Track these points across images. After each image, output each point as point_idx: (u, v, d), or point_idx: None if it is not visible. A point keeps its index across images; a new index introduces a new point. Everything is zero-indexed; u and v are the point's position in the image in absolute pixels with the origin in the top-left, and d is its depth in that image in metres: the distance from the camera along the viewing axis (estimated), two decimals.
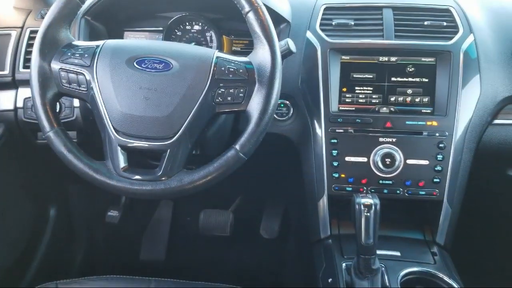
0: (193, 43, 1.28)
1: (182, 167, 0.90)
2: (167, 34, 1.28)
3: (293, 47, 0.94)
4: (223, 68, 0.89)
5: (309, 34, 1.16)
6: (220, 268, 1.78)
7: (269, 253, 1.83)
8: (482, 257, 1.59)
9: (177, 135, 0.87)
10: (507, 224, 1.62)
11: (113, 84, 0.88)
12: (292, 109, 1.19)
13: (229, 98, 0.88)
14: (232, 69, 0.88)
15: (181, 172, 0.89)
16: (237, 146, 0.87)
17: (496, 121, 1.15)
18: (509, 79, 1.13)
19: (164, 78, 0.88)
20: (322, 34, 1.15)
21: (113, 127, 0.89)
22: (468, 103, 1.10)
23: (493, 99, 1.12)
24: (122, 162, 0.89)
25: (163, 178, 0.88)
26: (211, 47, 1.29)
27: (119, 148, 0.89)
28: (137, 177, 0.89)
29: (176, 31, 1.29)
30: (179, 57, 0.90)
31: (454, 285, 0.98)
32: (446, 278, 0.99)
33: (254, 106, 0.87)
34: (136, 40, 1.27)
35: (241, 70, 0.88)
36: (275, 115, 1.18)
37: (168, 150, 0.88)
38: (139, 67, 0.89)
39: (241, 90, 0.88)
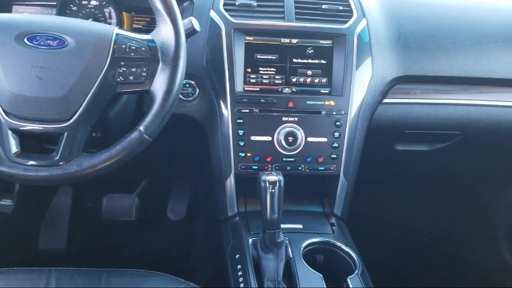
0: (91, 19, 1.21)
1: (82, 150, 0.85)
2: (61, 8, 1.19)
3: (197, 26, 0.93)
4: (123, 46, 0.85)
5: (213, 14, 1.16)
6: (126, 254, 1.74)
7: (177, 235, 1.83)
8: (375, 225, 1.73)
9: (74, 117, 0.83)
10: (395, 193, 1.78)
11: (1, 62, 0.81)
12: (197, 89, 1.18)
13: (131, 78, 0.85)
14: (134, 47, 0.85)
15: (80, 156, 0.85)
16: (141, 128, 0.85)
17: (385, 100, 1.25)
18: (396, 61, 1.23)
19: (59, 56, 0.83)
20: (226, 14, 1.15)
21: (2, 109, 0.82)
22: (362, 84, 1.18)
23: (383, 80, 1.21)
24: (14, 147, 0.83)
25: (61, 163, 0.83)
26: (110, 24, 1.23)
27: (9, 132, 0.82)
28: (32, 162, 0.83)
29: (71, 5, 1.21)
30: (75, 33, 0.85)
31: (350, 252, 1.06)
32: (343, 246, 1.07)
33: (158, 86, 0.85)
34: (26, 15, 1.17)
35: (143, 48, 0.86)
36: (180, 95, 1.16)
37: (66, 133, 0.83)
38: (31, 44, 0.82)
39: (144, 69, 0.85)
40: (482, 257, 1.84)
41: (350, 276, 0.98)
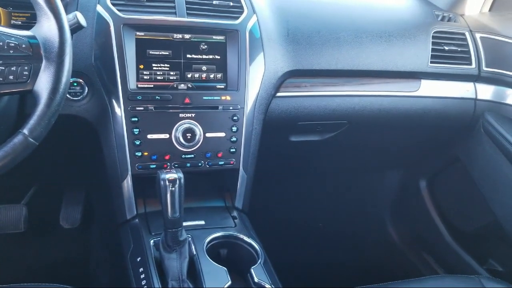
0: None
1: None
2: None
3: (82, 21, 0.89)
4: (1, 43, 0.78)
5: (99, 9, 1.11)
6: (16, 268, 1.60)
7: (72, 243, 1.73)
8: (275, 215, 1.80)
9: None
10: (292, 183, 1.86)
11: None
12: (87, 87, 1.12)
13: (11, 77, 0.79)
14: (13, 44, 0.79)
15: None
16: (25, 131, 0.79)
17: (279, 94, 1.29)
18: (286, 56, 1.28)
19: None
20: (114, 9, 1.11)
21: None
22: (256, 79, 1.21)
23: (275, 74, 1.26)
24: None
25: None
26: None
27: None
28: None
29: None
30: None
31: (253, 243, 1.08)
32: (245, 238, 1.10)
33: (43, 85, 0.80)
34: None
35: (23, 45, 0.80)
36: (67, 95, 1.09)
37: None
38: None
39: (26, 68, 0.79)
40: (371, 236, 2.01)
41: (253, 266, 1.01)
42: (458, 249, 1.73)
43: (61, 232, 1.70)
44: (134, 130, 1.11)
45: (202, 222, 1.14)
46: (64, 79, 0.81)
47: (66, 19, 0.83)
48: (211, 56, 1.18)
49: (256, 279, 0.98)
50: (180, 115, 1.14)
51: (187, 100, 1.14)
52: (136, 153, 1.11)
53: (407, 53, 1.41)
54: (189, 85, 1.16)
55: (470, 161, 1.59)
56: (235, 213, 1.21)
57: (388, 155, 1.78)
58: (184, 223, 0.98)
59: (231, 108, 1.18)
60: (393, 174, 1.96)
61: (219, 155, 1.18)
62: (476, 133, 1.53)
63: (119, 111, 1.10)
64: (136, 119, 1.10)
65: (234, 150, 1.19)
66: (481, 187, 1.55)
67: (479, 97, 1.51)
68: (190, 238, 1.03)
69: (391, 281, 1.12)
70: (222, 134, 1.17)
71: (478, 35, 1.50)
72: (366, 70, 1.37)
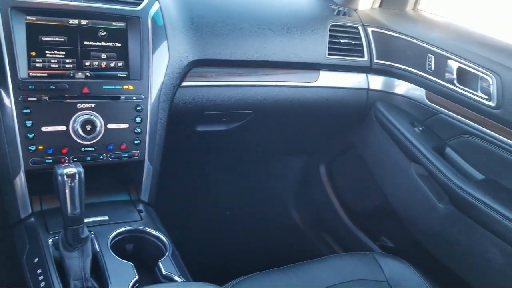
0: None
1: None
2: None
3: None
4: None
5: None
6: None
7: None
8: (184, 206, 1.79)
9: None
10: (200, 173, 1.86)
11: None
12: None
13: None
14: None
15: None
16: None
17: (184, 84, 1.28)
18: (191, 45, 1.26)
19: None
20: None
21: None
22: (160, 68, 1.18)
23: (180, 63, 1.24)
24: None
25: None
26: None
27: None
28: None
29: None
30: None
31: (160, 236, 1.07)
32: (152, 231, 1.08)
33: None
34: None
35: None
36: None
37: None
38: None
39: None
40: (276, 220, 2.08)
41: (161, 259, 1.00)
42: (354, 229, 1.86)
43: None
44: (27, 122, 1.02)
45: (106, 218, 1.09)
46: None
47: None
48: (111, 44, 1.13)
49: (164, 272, 0.97)
50: (78, 105, 1.07)
51: (85, 90, 1.08)
52: (30, 147, 1.03)
53: (307, 45, 1.47)
54: (87, 73, 1.10)
55: (364, 146, 1.71)
56: (140, 207, 1.18)
57: (292, 142, 1.85)
58: (86, 220, 0.94)
59: (134, 98, 1.14)
60: (296, 161, 2.04)
61: (123, 147, 1.13)
62: (368, 121, 1.64)
63: (8, 102, 1.01)
64: (28, 110, 1.02)
65: (138, 141, 1.15)
66: (373, 170, 1.67)
67: (371, 87, 1.62)
68: (92, 235, 0.99)
69: (295, 262, 1.17)
70: (125, 125, 1.13)
71: (369, 29, 1.60)
72: (270, 61, 1.40)
